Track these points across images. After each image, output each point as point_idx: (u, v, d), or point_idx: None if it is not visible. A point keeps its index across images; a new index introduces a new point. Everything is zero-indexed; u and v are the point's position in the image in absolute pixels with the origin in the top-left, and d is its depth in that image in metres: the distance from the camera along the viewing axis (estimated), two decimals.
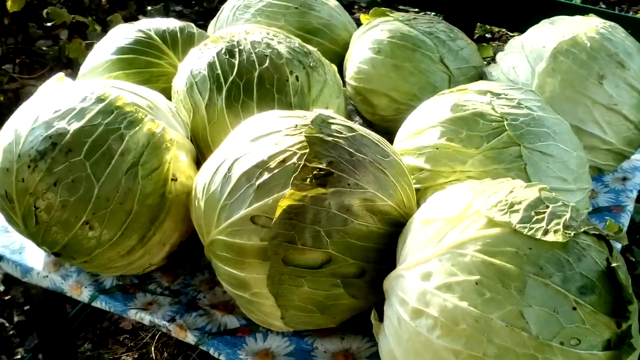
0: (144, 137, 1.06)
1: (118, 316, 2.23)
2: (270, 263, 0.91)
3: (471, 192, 0.87)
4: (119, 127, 1.05)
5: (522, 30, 1.47)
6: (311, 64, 1.29)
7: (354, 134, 1.00)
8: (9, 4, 2.49)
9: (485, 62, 1.55)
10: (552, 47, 1.30)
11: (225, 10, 1.71)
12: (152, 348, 2.15)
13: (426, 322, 0.79)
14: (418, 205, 1.01)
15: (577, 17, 1.39)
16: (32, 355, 2.07)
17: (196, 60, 1.26)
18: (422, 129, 1.14)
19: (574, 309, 0.75)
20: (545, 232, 0.79)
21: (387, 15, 1.53)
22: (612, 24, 1.36)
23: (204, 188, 0.99)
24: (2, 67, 3.16)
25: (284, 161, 0.94)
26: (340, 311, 0.98)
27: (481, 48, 1.70)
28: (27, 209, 1.05)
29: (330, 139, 0.96)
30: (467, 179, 1.06)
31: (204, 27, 1.65)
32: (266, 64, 1.23)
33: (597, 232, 0.82)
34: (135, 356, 2.15)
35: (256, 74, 1.22)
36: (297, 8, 1.62)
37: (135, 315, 1.11)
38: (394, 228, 0.97)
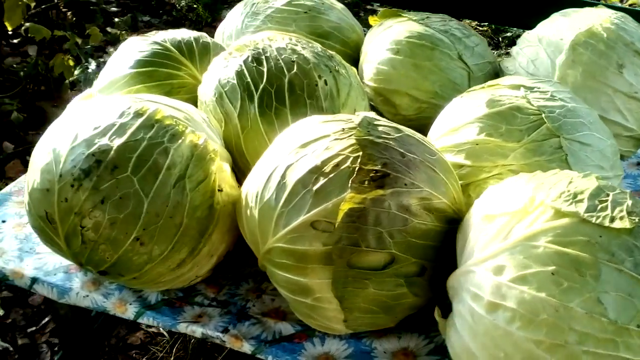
0: (187, 150, 1.05)
1: (125, 332, 2.21)
2: (334, 267, 0.91)
3: (530, 185, 0.89)
4: (161, 140, 1.04)
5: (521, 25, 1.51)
6: (336, 68, 1.30)
7: (401, 134, 1.01)
8: (6, 22, 2.44)
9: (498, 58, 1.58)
10: (570, 40, 1.33)
11: (232, 19, 1.71)
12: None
13: (504, 314, 0.80)
14: None
15: (588, 9, 1.43)
16: None
17: (223, 70, 1.26)
18: (458, 126, 1.15)
19: None
20: (612, 220, 0.81)
21: (399, 15, 1.55)
22: (623, 14, 1.40)
23: (256, 196, 0.99)
24: None
25: (338, 165, 0.94)
26: (402, 310, 0.99)
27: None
28: (72, 228, 1.03)
29: (380, 140, 0.97)
30: (508, 173, 1.09)
31: None
32: (294, 70, 1.24)
33: None
34: None
35: (286, 80, 1.22)
36: (306, 13, 1.63)
37: (186, 328, 1.11)
38: (449, 225, 0.98)
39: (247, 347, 1.07)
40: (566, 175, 0.90)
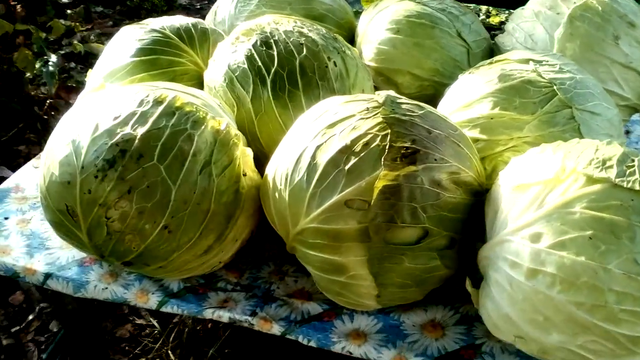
0: (211, 136, 1.05)
1: (112, 326, 2.18)
2: (370, 244, 0.93)
3: (558, 155, 0.92)
4: (184, 127, 1.03)
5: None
6: (343, 49, 1.31)
7: (424, 111, 1.03)
8: None
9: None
10: (567, 13, 1.36)
11: (223, 4, 1.69)
12: (169, 351, 2.12)
13: (544, 280, 0.84)
14: None
15: None
16: None
17: (232, 55, 1.25)
18: (470, 101, 1.18)
19: None
20: None
21: None
22: None
23: (285, 179, 1.00)
24: None
25: (367, 144, 0.96)
26: (432, 283, 1.01)
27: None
28: (96, 220, 1.02)
29: (406, 118, 0.99)
30: (524, 145, 1.12)
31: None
32: (304, 52, 1.24)
33: None
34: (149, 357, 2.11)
35: (297, 62, 1.23)
36: None
37: (213, 314, 1.11)
38: (475, 198, 1.01)
39: (276, 329, 1.08)
40: (591, 144, 0.93)
